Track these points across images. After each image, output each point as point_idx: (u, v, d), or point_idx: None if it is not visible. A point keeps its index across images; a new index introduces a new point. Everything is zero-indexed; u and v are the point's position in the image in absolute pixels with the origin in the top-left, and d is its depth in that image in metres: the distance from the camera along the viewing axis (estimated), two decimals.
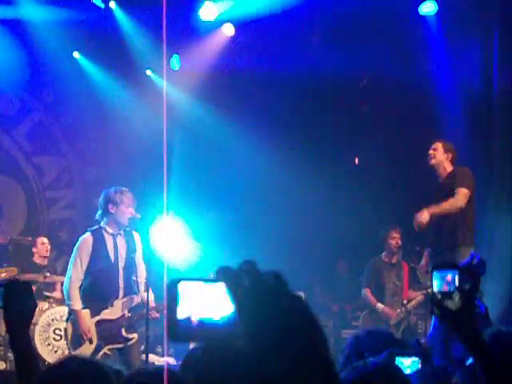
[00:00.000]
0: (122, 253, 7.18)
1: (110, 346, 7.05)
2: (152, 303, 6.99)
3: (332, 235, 11.28)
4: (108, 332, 7.01)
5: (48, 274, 9.59)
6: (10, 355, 8.89)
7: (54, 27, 10.78)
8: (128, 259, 7.19)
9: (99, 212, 7.20)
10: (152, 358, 7.85)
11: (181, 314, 1.52)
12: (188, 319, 1.51)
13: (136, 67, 11.62)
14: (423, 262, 8.30)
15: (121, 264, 7.15)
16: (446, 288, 2.72)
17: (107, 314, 7.05)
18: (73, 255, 7.11)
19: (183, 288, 1.56)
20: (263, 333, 1.42)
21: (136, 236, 7.29)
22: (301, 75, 10.94)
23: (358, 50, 10.56)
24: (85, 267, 7.02)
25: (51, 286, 9.83)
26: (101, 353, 6.95)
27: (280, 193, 11.43)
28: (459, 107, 10.40)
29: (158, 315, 7.05)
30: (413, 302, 9.47)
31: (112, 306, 7.06)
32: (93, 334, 6.95)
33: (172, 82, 10.79)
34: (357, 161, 12.29)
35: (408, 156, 10.77)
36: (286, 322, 1.44)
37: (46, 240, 10.21)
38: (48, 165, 12.26)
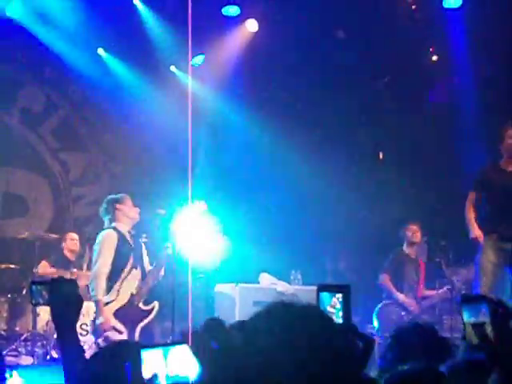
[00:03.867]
0: (136, 250, 7.42)
1: (141, 324, 7.18)
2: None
3: (358, 230, 11.26)
4: (129, 316, 7.14)
5: (75, 270, 9.68)
6: (38, 350, 8.98)
7: (79, 24, 10.84)
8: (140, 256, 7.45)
9: (107, 219, 7.37)
10: None
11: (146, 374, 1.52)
12: (152, 379, 1.52)
13: (160, 63, 11.67)
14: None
15: (131, 259, 7.33)
16: (476, 319, 2.65)
17: (119, 300, 7.22)
18: (99, 249, 7.20)
19: (147, 355, 1.57)
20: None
21: (142, 243, 7.55)
22: (325, 70, 10.94)
23: (380, 43, 10.53)
24: (110, 260, 7.13)
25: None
26: (136, 334, 7.09)
27: (304, 187, 11.41)
28: (485, 98, 10.33)
29: (161, 274, 7.31)
30: (427, 302, 9.42)
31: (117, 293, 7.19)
32: (116, 324, 7.05)
33: (196, 78, 10.82)
34: (381, 155, 12.25)
35: (433, 149, 10.74)
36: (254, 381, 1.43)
37: (75, 236, 10.31)
38: (74, 161, 12.34)
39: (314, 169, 10.94)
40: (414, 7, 10.53)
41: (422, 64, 11.18)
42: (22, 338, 9.14)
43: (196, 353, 1.49)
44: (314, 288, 8.90)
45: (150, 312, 7.30)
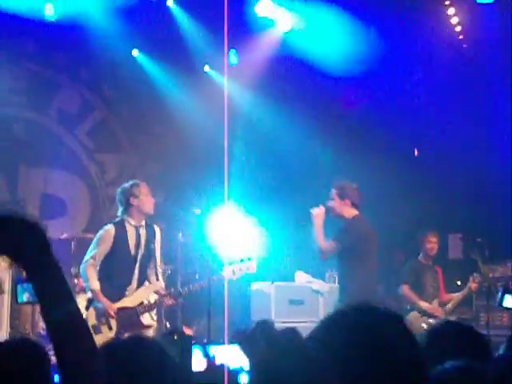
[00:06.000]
0: (143, 243, 7.40)
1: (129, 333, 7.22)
2: (162, 291, 7.35)
3: (389, 225, 11.21)
4: (127, 319, 7.19)
5: None
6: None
7: (114, 25, 10.94)
8: (147, 250, 7.42)
9: (120, 209, 7.42)
10: None
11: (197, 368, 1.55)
12: (206, 371, 1.55)
13: (194, 63, 11.73)
14: None
15: (139, 254, 7.38)
16: None
17: (127, 301, 7.26)
18: (94, 242, 7.35)
19: (196, 350, 1.59)
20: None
21: (156, 229, 7.54)
22: (358, 67, 10.92)
23: (413, 40, 10.50)
24: (102, 256, 7.21)
25: None
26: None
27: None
28: None
29: (172, 302, 7.29)
30: (452, 302, 9.37)
31: (128, 294, 7.23)
32: (112, 320, 7.12)
33: (230, 77, 10.86)
34: (416, 152, 12.20)
35: (467, 146, 10.68)
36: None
37: None
38: (110, 162, 12.44)
39: (352, 164, 10.92)
40: None
41: None
42: None
43: (248, 354, 1.51)
44: None
45: (146, 327, 7.30)
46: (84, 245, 10.16)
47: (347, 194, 7.72)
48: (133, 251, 7.34)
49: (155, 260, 7.47)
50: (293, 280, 9.87)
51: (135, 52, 11.82)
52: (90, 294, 7.24)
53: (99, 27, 10.96)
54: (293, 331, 1.55)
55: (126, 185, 7.51)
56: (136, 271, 7.33)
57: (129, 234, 7.36)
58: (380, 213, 11.26)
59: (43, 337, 9.32)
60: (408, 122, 11.55)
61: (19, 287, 3.04)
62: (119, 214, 7.46)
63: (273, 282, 9.30)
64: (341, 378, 1.44)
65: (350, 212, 7.73)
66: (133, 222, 7.37)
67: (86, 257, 7.27)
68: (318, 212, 7.54)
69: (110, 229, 7.32)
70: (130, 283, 7.31)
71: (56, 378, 3.22)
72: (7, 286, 8.84)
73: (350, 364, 1.46)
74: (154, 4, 11.08)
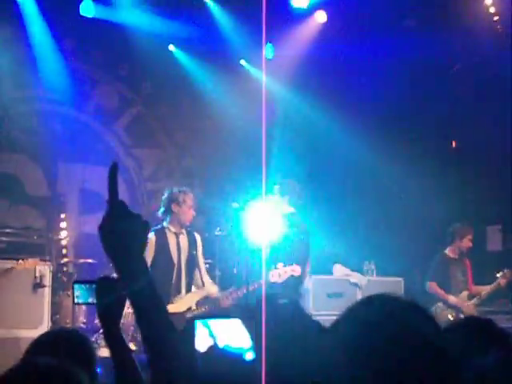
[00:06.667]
0: (185, 250, 7.46)
1: None
2: (214, 294, 7.41)
3: (432, 220, 11.15)
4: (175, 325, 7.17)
5: None
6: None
7: (150, 21, 10.99)
8: (190, 256, 7.46)
9: (161, 210, 7.45)
10: None
11: (200, 349, 1.54)
12: (208, 352, 1.54)
13: (230, 57, 11.75)
14: None
15: (183, 261, 7.44)
16: None
17: (174, 307, 7.23)
18: None
19: (200, 327, 1.59)
20: (282, 365, 1.42)
21: (197, 236, 7.60)
22: (395, 60, 10.85)
23: (451, 32, 10.39)
24: (148, 264, 7.22)
25: None
26: None
27: (378, 178, 11.37)
28: None
29: (230, 302, 7.30)
30: (480, 297, 9.30)
31: (175, 300, 7.24)
32: None
33: (267, 71, 10.85)
34: (454, 144, 12.11)
35: (506, 136, 10.56)
36: (306, 357, 1.43)
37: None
38: (147, 157, 12.51)
39: (390, 158, 10.87)
40: None
41: None
42: (101, 330, 9.31)
43: (249, 327, 1.51)
44: (388, 279, 8.94)
45: None
46: None
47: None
48: (175, 258, 7.38)
49: (199, 266, 7.52)
50: (331, 273, 9.87)
51: (171, 47, 11.87)
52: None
53: (136, 23, 11.03)
54: (295, 305, 1.56)
55: (175, 189, 7.53)
56: (181, 278, 7.37)
57: (170, 241, 7.41)
58: (418, 205, 11.22)
59: (84, 330, 9.43)
60: (446, 113, 11.47)
61: (76, 287, 3.07)
62: (160, 214, 7.52)
63: (311, 275, 9.30)
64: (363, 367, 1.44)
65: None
66: (173, 229, 7.42)
67: None
68: None
69: (151, 237, 7.31)
70: (176, 289, 7.34)
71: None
72: (47, 281, 8.95)
73: (370, 355, 1.45)
74: None
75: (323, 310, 9.08)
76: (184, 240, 7.47)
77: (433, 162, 11.34)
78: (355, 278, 9.77)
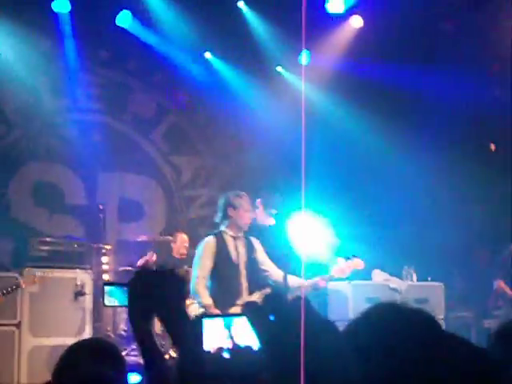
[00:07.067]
0: (243, 254, 7.45)
1: None
2: (304, 283, 7.35)
3: (472, 223, 11.05)
4: None
5: (187, 268, 9.85)
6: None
7: (186, 29, 11.05)
8: (249, 260, 7.46)
9: (219, 215, 7.47)
10: None
11: (208, 347, 1.54)
12: (216, 353, 1.54)
13: (266, 64, 11.78)
14: None
15: (242, 264, 7.41)
16: None
17: (237, 310, 7.21)
18: (197, 256, 7.40)
19: (208, 324, 1.59)
20: (288, 365, 1.41)
21: (254, 240, 7.58)
22: (432, 64, 10.79)
23: (489, 31, 10.32)
24: (208, 268, 7.26)
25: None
26: None
27: (415, 183, 11.30)
28: None
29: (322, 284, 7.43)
30: None
31: (239, 303, 7.24)
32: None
33: (303, 77, 10.87)
34: (493, 147, 12.00)
35: None
36: (316, 356, 1.42)
37: (185, 237, 10.46)
38: (185, 164, 12.56)
39: (427, 162, 10.81)
40: None
41: None
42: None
43: (254, 325, 1.51)
44: (427, 284, 8.87)
45: None
46: (162, 247, 10.31)
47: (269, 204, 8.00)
48: (236, 262, 7.39)
49: (268, 265, 7.52)
50: (370, 278, 9.82)
51: (208, 54, 11.92)
52: (202, 309, 7.29)
53: (172, 31, 11.10)
54: (306, 302, 1.56)
55: (230, 193, 7.56)
56: (243, 281, 7.38)
57: (228, 244, 7.42)
58: (457, 208, 11.14)
59: (124, 338, 9.49)
60: (485, 115, 11.37)
61: (106, 290, 3.09)
62: (217, 220, 7.55)
63: (350, 281, 9.26)
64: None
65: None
66: (231, 233, 7.43)
67: (193, 273, 7.35)
68: None
69: (210, 241, 7.38)
70: (239, 293, 7.34)
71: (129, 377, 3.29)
72: (88, 289, 9.03)
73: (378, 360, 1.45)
74: (225, 5, 11.14)
75: None
76: (242, 244, 7.47)
77: (471, 163, 11.24)
78: (394, 283, 9.71)
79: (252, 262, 7.48)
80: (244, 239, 7.53)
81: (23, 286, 8.57)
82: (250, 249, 7.51)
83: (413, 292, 9.40)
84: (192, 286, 7.29)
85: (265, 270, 7.51)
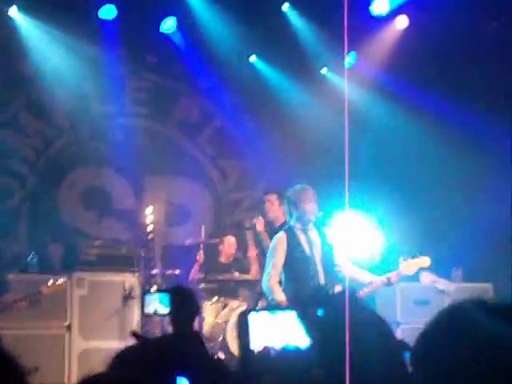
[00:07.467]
0: (317, 246, 7.41)
1: None
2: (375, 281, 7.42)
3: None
4: None
5: (237, 274, 9.87)
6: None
7: (230, 33, 11.10)
8: (324, 250, 7.41)
9: (287, 211, 7.56)
10: None
11: (254, 344, 1.53)
12: (263, 350, 1.53)
13: (311, 66, 11.76)
14: None
15: (317, 256, 7.38)
16: None
17: None
18: (270, 254, 7.42)
19: (254, 319, 1.58)
20: (338, 361, 1.40)
21: (326, 230, 7.53)
22: (476, 63, 10.68)
23: None
24: (281, 264, 7.27)
25: (239, 286, 10.10)
26: None
27: (465, 184, 11.17)
28: None
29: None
30: None
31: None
32: None
33: (350, 79, 10.82)
34: None
35: None
36: (363, 348, 1.40)
37: (233, 239, 10.49)
38: (231, 168, 12.61)
39: (469, 166, 10.70)
40: None
41: None
42: None
43: (303, 321, 1.51)
44: (476, 285, 8.77)
45: None
46: (209, 250, 10.36)
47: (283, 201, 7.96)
48: (309, 254, 7.37)
49: (335, 259, 7.50)
50: (418, 280, 9.76)
51: (253, 58, 11.96)
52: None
53: (216, 36, 11.15)
54: (351, 295, 1.55)
55: (290, 190, 7.56)
56: (319, 273, 7.36)
57: (300, 238, 7.41)
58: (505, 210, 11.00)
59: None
60: None
61: (146, 299, 3.13)
62: (287, 217, 7.61)
63: (398, 283, 9.22)
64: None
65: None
66: (300, 226, 7.42)
67: (266, 270, 7.37)
68: None
69: (281, 236, 7.40)
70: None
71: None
72: (137, 292, 9.11)
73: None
74: (268, 8, 11.16)
75: (410, 317, 8.99)
76: (314, 235, 7.45)
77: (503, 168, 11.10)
78: (443, 284, 9.65)
79: (327, 253, 7.43)
80: (317, 229, 7.50)
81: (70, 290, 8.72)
82: (324, 239, 7.48)
83: (461, 293, 9.32)
84: (264, 282, 7.33)
85: (337, 265, 7.51)
